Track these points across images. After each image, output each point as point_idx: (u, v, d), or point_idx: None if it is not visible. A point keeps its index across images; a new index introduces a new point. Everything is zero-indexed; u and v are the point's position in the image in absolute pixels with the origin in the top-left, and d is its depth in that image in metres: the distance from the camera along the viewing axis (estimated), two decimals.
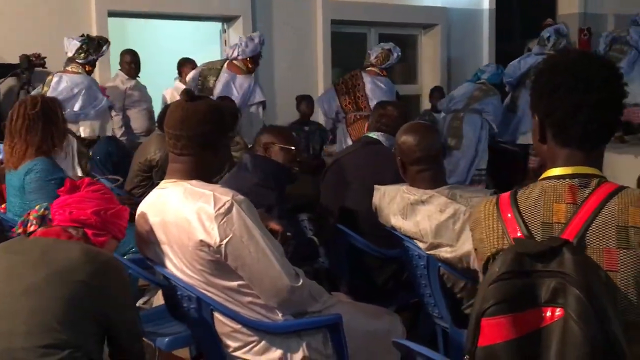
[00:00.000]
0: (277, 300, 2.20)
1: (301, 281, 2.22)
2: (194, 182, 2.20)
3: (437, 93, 7.87)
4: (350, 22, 7.88)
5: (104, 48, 5.35)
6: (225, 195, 2.14)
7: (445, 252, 2.73)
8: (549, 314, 1.36)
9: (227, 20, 7.25)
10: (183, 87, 6.54)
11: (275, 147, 3.03)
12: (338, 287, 3.22)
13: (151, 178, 4.56)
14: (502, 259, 1.41)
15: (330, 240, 3.32)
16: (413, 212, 2.83)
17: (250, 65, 5.60)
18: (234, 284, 2.18)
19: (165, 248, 2.24)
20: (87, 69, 5.22)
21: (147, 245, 2.30)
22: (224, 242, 2.10)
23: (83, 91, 5.11)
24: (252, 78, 5.57)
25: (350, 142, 5.61)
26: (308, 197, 3.73)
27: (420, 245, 2.82)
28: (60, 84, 5.11)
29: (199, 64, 6.87)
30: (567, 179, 1.52)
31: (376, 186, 3.05)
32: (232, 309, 2.19)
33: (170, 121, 2.22)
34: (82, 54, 5.16)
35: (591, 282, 1.34)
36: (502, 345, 1.35)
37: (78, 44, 5.17)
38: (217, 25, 7.39)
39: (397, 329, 2.55)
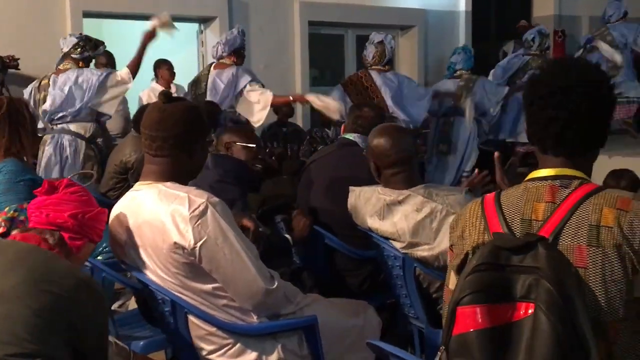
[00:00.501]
0: (252, 303, 2.19)
1: (276, 283, 2.22)
2: (168, 184, 2.19)
3: None
4: (328, 24, 7.89)
5: (100, 48, 5.29)
6: (200, 198, 2.13)
7: (422, 251, 2.75)
8: (522, 310, 1.38)
9: (204, 21, 7.22)
10: (159, 88, 6.54)
11: (236, 145, 3.07)
12: (314, 288, 3.22)
13: (127, 180, 4.53)
14: (480, 252, 1.45)
15: (307, 241, 3.32)
16: (390, 213, 2.84)
17: (235, 60, 5.54)
18: (209, 286, 2.17)
19: (140, 251, 2.22)
20: (80, 64, 5.06)
21: (121, 248, 2.28)
22: (199, 244, 2.09)
23: (73, 88, 4.92)
24: (234, 66, 5.49)
25: None
26: (286, 198, 3.73)
27: (398, 245, 2.83)
28: (54, 88, 4.96)
29: (175, 65, 6.85)
30: (549, 180, 1.56)
31: (351, 187, 3.06)
32: (206, 312, 2.19)
33: (146, 122, 2.21)
34: (79, 49, 5.06)
35: (563, 277, 1.37)
36: (474, 334, 1.38)
37: (75, 40, 5.07)
38: (194, 26, 7.36)
39: (373, 323, 2.56)
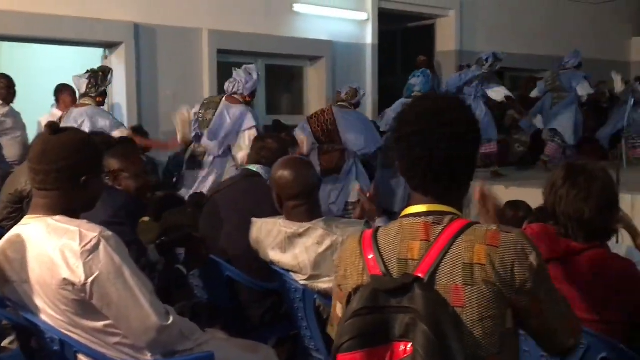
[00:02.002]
0: (146, 340, 2.12)
1: (171, 319, 2.16)
2: (58, 217, 2.11)
3: None
4: (237, 52, 7.90)
5: (109, 77, 5.75)
6: (92, 232, 2.06)
7: (323, 283, 2.77)
8: (401, 348, 1.40)
9: (109, 46, 7.08)
10: (60, 114, 6.34)
11: (123, 174, 2.95)
12: (217, 321, 3.17)
13: (22, 210, 4.34)
14: (360, 296, 1.45)
15: (208, 273, 3.27)
16: (291, 245, 2.85)
17: (248, 100, 5.85)
18: (100, 324, 2.09)
19: (26, 287, 2.12)
20: (98, 100, 5.65)
21: (7, 284, 2.17)
22: (90, 280, 2.01)
23: (85, 121, 5.41)
24: (244, 106, 5.78)
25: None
26: (188, 229, 3.66)
27: (299, 277, 2.84)
28: (69, 118, 5.50)
29: (77, 91, 6.67)
30: (423, 217, 1.57)
31: (253, 219, 3.05)
32: (97, 351, 2.10)
33: (31, 154, 2.13)
34: (93, 88, 5.59)
35: (439, 318, 1.38)
36: None
37: (86, 81, 5.59)
38: (99, 52, 7.20)
39: None
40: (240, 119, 5.69)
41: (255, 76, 5.86)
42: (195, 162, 5.82)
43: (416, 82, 7.40)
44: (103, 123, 5.54)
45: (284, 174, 2.88)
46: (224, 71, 7.74)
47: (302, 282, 2.83)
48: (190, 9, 7.40)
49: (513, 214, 4.04)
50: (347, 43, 8.80)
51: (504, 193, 6.22)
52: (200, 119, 5.77)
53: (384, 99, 7.06)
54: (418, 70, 8.95)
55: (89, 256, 2.02)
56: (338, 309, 1.65)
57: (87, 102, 5.59)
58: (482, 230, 1.52)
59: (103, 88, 5.66)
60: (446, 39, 9.79)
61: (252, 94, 5.93)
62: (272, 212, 3.06)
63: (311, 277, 2.79)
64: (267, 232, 2.94)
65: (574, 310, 2.13)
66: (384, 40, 9.29)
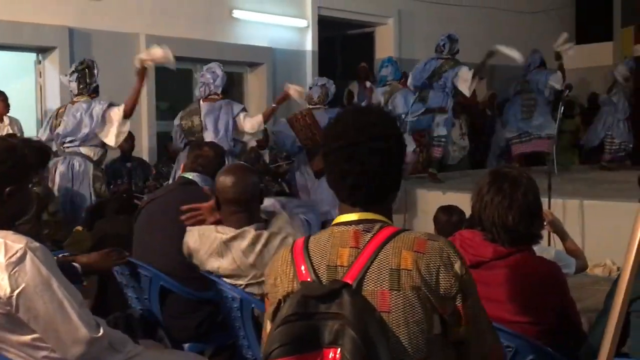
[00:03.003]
0: (75, 353, 2.07)
1: (101, 331, 2.12)
2: None
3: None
4: (176, 58, 7.78)
5: (95, 71, 5.61)
6: (17, 243, 2.01)
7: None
8: (331, 355, 1.41)
9: (42, 51, 6.91)
10: None
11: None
12: (151, 333, 3.12)
13: None
14: (290, 302, 1.46)
15: (142, 283, 3.22)
16: (227, 250, 2.84)
17: (220, 96, 5.93)
18: (27, 338, 2.05)
19: None
20: (92, 96, 5.56)
21: None
22: (15, 293, 1.97)
23: (84, 116, 5.38)
24: (223, 99, 5.92)
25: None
26: (121, 238, 3.60)
27: (241, 282, 2.82)
28: (68, 116, 5.43)
29: (9, 96, 6.48)
30: (353, 225, 1.59)
31: (189, 227, 3.01)
32: None
33: None
34: (84, 87, 5.52)
35: (366, 323, 1.40)
36: None
37: (75, 83, 5.51)
38: (31, 56, 7.01)
39: None
40: (227, 109, 5.86)
41: (220, 72, 5.96)
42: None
43: (387, 72, 7.68)
44: (99, 107, 5.44)
45: (225, 179, 2.88)
46: (161, 77, 7.65)
47: (244, 287, 2.81)
48: (127, 14, 7.29)
49: (446, 219, 4.12)
50: (287, 49, 8.82)
51: (441, 198, 6.32)
52: (186, 128, 5.89)
53: None
54: (359, 74, 9.13)
55: (14, 268, 1.97)
56: (268, 329, 1.64)
57: (80, 99, 5.56)
58: (410, 237, 1.55)
59: (94, 84, 5.59)
60: (385, 47, 9.92)
61: (224, 90, 6.01)
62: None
63: (255, 277, 2.78)
64: (204, 239, 2.92)
65: (502, 313, 2.20)
66: (323, 47, 9.36)
